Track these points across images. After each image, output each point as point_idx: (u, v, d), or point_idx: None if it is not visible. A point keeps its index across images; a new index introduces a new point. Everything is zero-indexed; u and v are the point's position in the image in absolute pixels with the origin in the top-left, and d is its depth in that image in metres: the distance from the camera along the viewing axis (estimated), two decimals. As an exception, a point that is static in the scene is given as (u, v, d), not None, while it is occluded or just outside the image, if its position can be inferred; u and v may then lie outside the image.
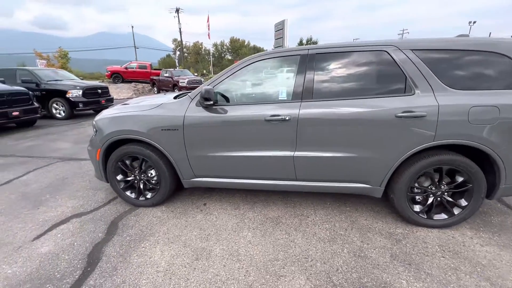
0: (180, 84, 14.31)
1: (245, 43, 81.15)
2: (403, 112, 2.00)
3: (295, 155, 2.25)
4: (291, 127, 2.19)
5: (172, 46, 74.15)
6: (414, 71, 2.04)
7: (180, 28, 32.82)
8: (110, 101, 9.20)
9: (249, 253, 1.99)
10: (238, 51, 77.73)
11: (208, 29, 31.89)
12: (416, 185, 2.19)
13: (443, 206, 2.22)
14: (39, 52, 22.28)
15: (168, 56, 79.12)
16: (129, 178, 2.67)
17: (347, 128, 2.12)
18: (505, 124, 1.91)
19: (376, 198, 2.68)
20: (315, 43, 70.28)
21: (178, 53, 25.35)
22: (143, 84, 18.47)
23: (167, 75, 15.52)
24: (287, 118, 2.17)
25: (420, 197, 2.26)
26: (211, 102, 2.19)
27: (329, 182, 2.33)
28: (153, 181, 2.64)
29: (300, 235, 2.19)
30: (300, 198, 2.80)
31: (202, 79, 16.06)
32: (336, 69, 2.22)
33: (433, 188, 2.18)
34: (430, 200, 2.21)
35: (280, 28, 27.84)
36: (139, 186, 2.67)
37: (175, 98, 2.71)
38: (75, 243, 2.13)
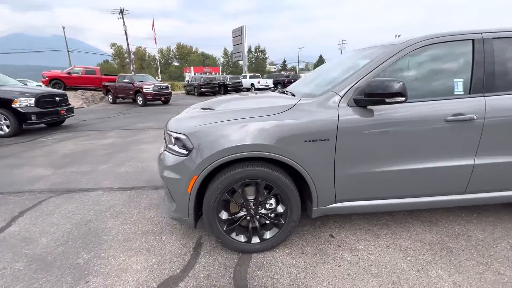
0: (144, 91, 12.61)
1: (193, 50, 78.92)
2: None
3: (476, 163, 1.81)
4: (476, 128, 1.74)
5: (111, 51, 67.28)
6: None
7: (126, 31, 29.71)
8: (70, 111, 7.37)
9: (478, 302, 1.45)
10: (186, 58, 74.92)
11: (154, 33, 29.69)
12: None
13: None
14: None
15: (106, 61, 71.42)
16: (240, 214, 1.83)
17: (537, 126, 1.79)
18: None
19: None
20: (263, 51, 72.85)
21: (133, 56, 22.58)
22: (93, 92, 15.84)
23: (126, 80, 13.54)
24: (475, 118, 1.72)
25: None
26: (403, 99, 1.58)
27: (497, 191, 1.95)
28: (272, 215, 1.87)
29: (485, 260, 1.75)
30: (432, 213, 2.37)
31: (169, 85, 14.53)
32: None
33: None
34: None
35: (238, 34, 27.87)
36: (254, 225, 1.85)
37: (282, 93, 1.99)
38: None
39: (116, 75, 15.15)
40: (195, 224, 1.85)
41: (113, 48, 67.06)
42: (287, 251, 1.91)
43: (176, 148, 1.82)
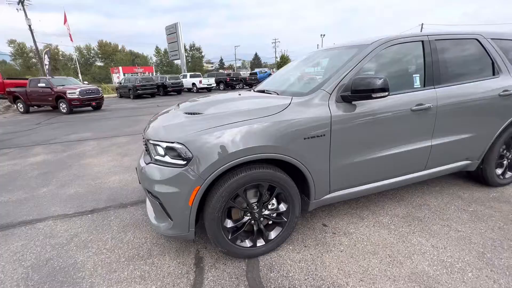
0: (69, 96, 10.79)
1: (119, 48, 71.15)
2: (504, 91, 2.32)
3: (433, 144, 2.18)
4: (431, 116, 2.10)
5: (10, 49, 55.27)
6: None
7: (30, 26, 24.71)
8: None
9: (460, 259, 1.76)
10: (111, 57, 67.00)
11: (68, 29, 25.63)
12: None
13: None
14: None
15: (4, 62, 58.44)
16: (244, 220, 1.77)
17: (469, 109, 2.26)
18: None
19: (450, 175, 2.98)
20: (199, 49, 70.87)
21: (46, 56, 18.70)
22: (-8, 100, 12.77)
23: (43, 85, 11.31)
24: (431, 106, 2.06)
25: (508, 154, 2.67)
26: (386, 94, 1.75)
27: (445, 165, 2.40)
28: (274, 215, 1.87)
29: (446, 222, 2.15)
30: (396, 190, 2.74)
31: (100, 88, 12.79)
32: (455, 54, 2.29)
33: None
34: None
35: (173, 31, 26.44)
36: (258, 228, 1.82)
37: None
38: None
39: (24, 79, 12.51)
40: (194, 235, 1.71)
41: (12, 46, 55.17)
42: (290, 248, 1.95)
43: (167, 159, 1.64)
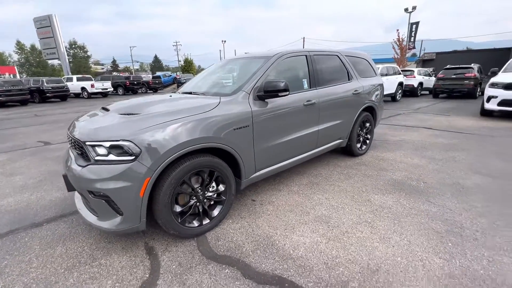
0: None
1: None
2: (355, 91, 3.50)
3: (319, 129, 3.06)
4: (316, 109, 2.97)
5: None
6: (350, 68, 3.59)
7: None
8: None
9: (341, 203, 2.63)
10: None
11: None
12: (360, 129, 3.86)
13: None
14: None
15: None
16: (191, 203, 2.04)
17: (338, 103, 3.29)
18: (378, 90, 4.00)
19: (332, 150, 4.09)
20: (83, 47, 59.99)
21: None
22: None
23: None
24: (315, 102, 2.92)
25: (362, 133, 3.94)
26: (287, 93, 2.39)
27: (328, 144, 3.39)
28: (215, 196, 2.23)
29: (332, 182, 3.10)
30: (300, 166, 3.58)
31: None
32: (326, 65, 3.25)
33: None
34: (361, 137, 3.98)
35: (45, 25, 21.96)
36: (203, 208, 2.13)
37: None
38: None
39: None
40: (144, 226, 1.87)
41: None
42: (230, 221, 2.36)
43: (112, 157, 1.74)
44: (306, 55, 3.02)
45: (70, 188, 2.06)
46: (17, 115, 10.29)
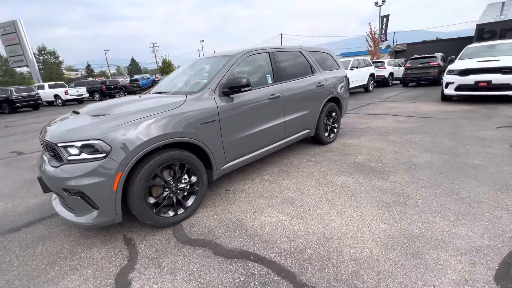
0: None
1: None
2: (318, 83, 3.77)
3: (286, 120, 3.30)
4: (281, 101, 3.20)
5: None
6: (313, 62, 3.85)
7: None
8: None
9: (307, 186, 2.88)
10: None
11: None
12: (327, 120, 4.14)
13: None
14: None
15: None
16: (165, 194, 2.20)
17: (303, 95, 3.54)
18: (342, 82, 4.30)
19: (301, 141, 4.36)
20: (54, 53, 57.13)
21: None
22: None
23: None
24: (279, 96, 3.14)
25: (329, 122, 4.22)
26: (249, 88, 2.59)
27: (296, 134, 3.64)
28: (188, 187, 2.41)
29: (301, 169, 3.36)
30: (272, 155, 3.81)
31: None
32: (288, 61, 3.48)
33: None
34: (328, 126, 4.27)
35: (10, 31, 20.99)
36: (177, 199, 2.30)
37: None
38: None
39: None
40: (121, 218, 2.01)
41: None
42: (204, 210, 2.54)
43: (84, 156, 1.87)
44: (269, 52, 3.24)
45: (46, 189, 2.16)
46: (-15, 128, 9.83)
